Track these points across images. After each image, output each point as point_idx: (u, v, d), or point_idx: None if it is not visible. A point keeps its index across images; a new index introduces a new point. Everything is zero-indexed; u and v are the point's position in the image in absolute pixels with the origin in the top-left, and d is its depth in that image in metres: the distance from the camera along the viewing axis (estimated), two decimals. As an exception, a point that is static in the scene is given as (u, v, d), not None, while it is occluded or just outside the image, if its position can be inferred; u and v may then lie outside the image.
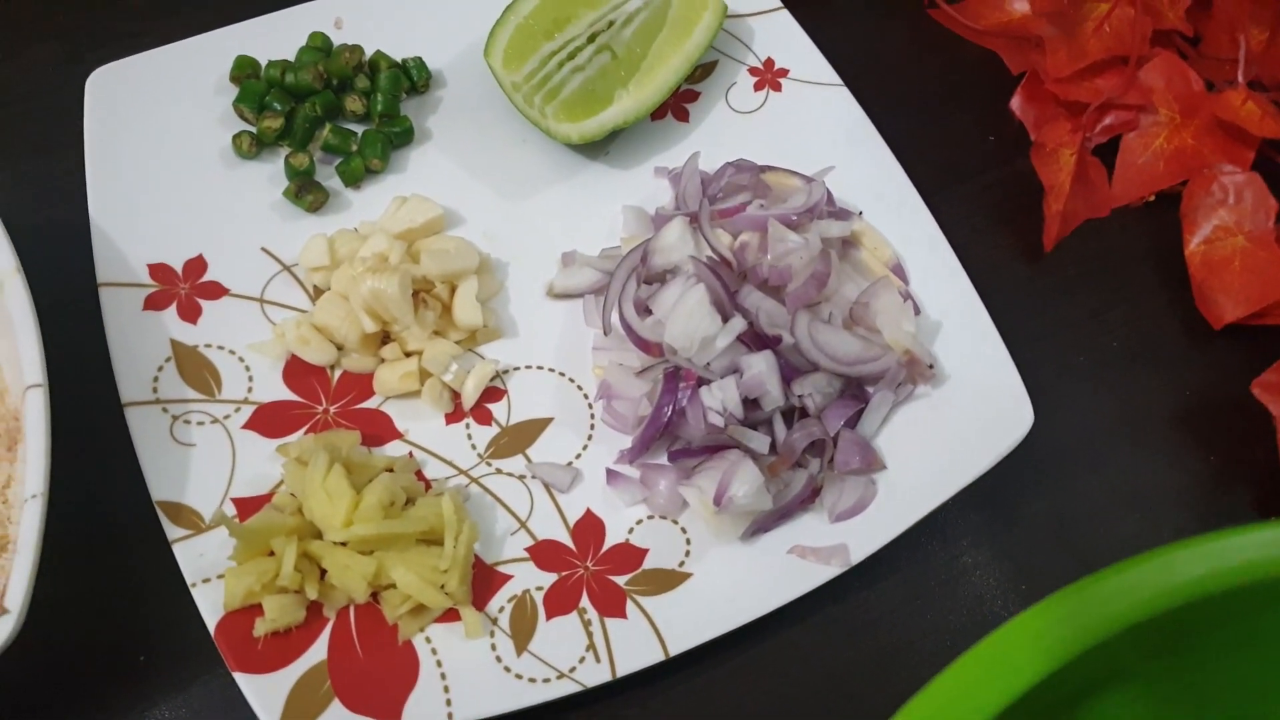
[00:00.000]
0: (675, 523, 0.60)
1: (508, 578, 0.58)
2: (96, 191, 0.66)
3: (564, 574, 0.58)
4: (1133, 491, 0.66)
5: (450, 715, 0.53)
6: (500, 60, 0.70)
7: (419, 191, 0.68)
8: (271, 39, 0.73)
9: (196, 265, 0.65)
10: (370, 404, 0.63)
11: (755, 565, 0.59)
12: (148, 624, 0.58)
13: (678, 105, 0.75)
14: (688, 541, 0.60)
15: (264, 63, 0.71)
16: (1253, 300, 0.70)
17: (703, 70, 0.76)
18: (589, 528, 0.60)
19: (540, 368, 0.65)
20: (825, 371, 0.61)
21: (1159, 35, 0.78)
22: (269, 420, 0.61)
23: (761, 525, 0.59)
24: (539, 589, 0.58)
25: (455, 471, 0.61)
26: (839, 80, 0.74)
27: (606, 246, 0.69)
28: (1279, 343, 0.70)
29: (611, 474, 0.61)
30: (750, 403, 0.60)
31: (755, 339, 0.61)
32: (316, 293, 0.65)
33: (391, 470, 0.59)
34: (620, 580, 0.58)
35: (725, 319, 0.61)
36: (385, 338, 0.64)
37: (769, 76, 0.76)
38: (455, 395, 0.63)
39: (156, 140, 0.69)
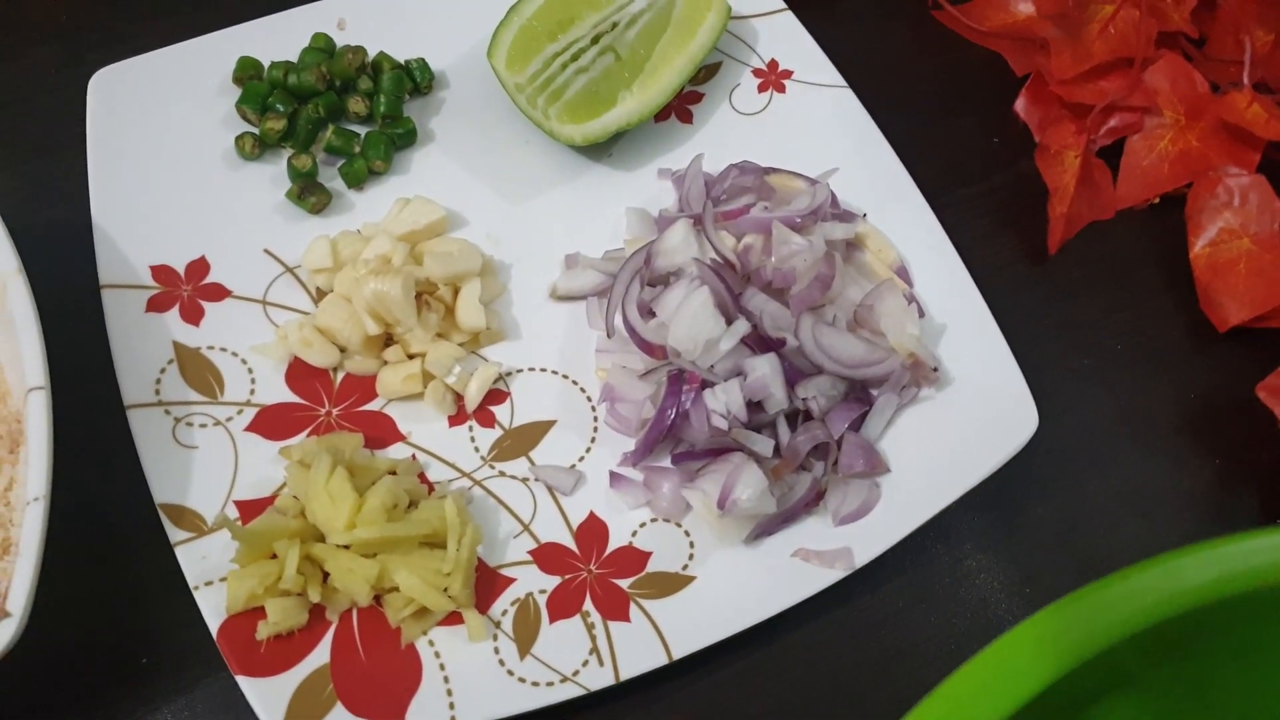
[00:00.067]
0: (679, 526, 0.60)
1: (511, 581, 0.58)
2: (98, 193, 0.65)
3: (567, 577, 0.58)
4: (1137, 495, 0.66)
5: (453, 719, 0.53)
6: (503, 61, 0.70)
7: (422, 193, 0.68)
8: (274, 40, 0.72)
9: (199, 267, 0.65)
10: (373, 406, 0.63)
11: (759, 568, 0.58)
12: (150, 627, 0.58)
13: (681, 107, 0.75)
14: (691, 545, 0.59)
15: (267, 64, 0.71)
16: (1258, 303, 0.70)
17: (706, 72, 0.76)
18: (592, 531, 0.60)
19: (543, 370, 0.65)
20: (829, 374, 0.61)
21: (1164, 37, 0.78)
22: (271, 422, 0.61)
23: (765, 528, 0.59)
24: (542, 592, 0.58)
25: (458, 474, 0.61)
26: (843, 82, 0.74)
27: (610, 248, 0.68)
28: (1284, 346, 0.70)
29: (615, 477, 0.61)
30: (754, 405, 0.60)
31: (759, 342, 0.61)
32: (319, 295, 0.65)
33: (394, 473, 0.59)
34: (623, 583, 0.58)
35: (729, 321, 0.61)
36: (388, 340, 0.64)
37: (773, 78, 0.76)
38: (458, 398, 0.63)
39: (159, 141, 0.68)
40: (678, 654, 0.55)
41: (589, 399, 0.64)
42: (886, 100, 0.74)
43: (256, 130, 0.69)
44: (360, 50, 0.72)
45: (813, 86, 0.75)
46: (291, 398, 0.62)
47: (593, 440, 0.63)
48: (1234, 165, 0.74)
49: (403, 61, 0.73)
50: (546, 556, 0.59)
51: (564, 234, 0.69)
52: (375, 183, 0.70)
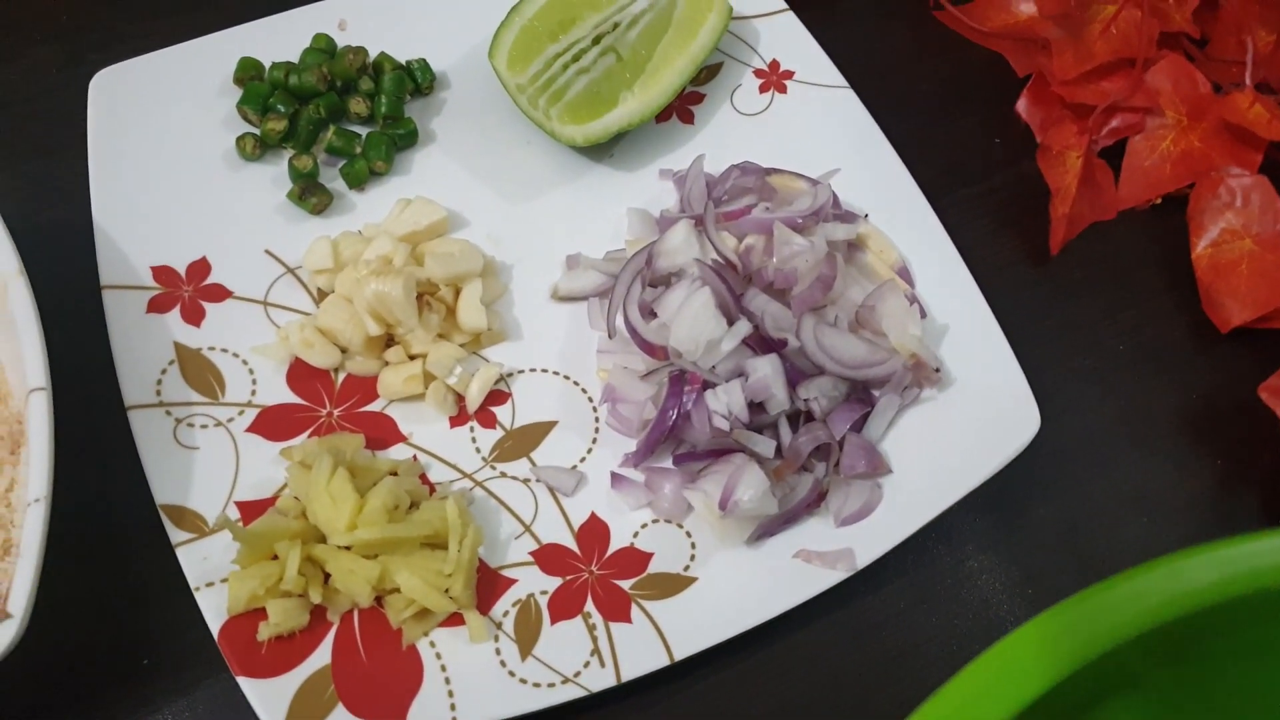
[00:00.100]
0: (680, 527, 0.60)
1: (512, 582, 0.58)
2: (99, 193, 0.65)
3: (568, 578, 0.58)
4: (1139, 496, 0.66)
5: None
6: (505, 62, 0.70)
7: (423, 194, 0.68)
8: (275, 41, 0.72)
9: (200, 268, 0.65)
10: (374, 407, 0.62)
11: (760, 569, 0.58)
12: (151, 628, 0.58)
13: (683, 107, 0.75)
14: (692, 546, 0.59)
15: (268, 64, 0.71)
16: (1260, 304, 0.70)
17: (708, 72, 0.76)
18: (593, 532, 0.60)
19: (545, 371, 0.65)
20: (831, 375, 0.61)
21: (1166, 37, 0.78)
22: (273, 423, 0.61)
23: (767, 529, 0.59)
24: (543, 593, 0.57)
25: (459, 475, 0.61)
26: (844, 82, 0.74)
27: (611, 249, 0.68)
28: (1286, 346, 0.70)
29: (616, 478, 0.61)
30: (755, 406, 0.60)
31: (761, 342, 0.61)
32: (320, 295, 0.65)
33: (395, 474, 0.59)
34: (625, 584, 0.58)
35: (730, 322, 0.61)
36: (389, 341, 0.64)
37: (774, 78, 0.76)
38: (459, 398, 0.63)
39: (160, 142, 0.68)
40: (679, 655, 0.55)
41: (590, 400, 0.64)
42: (888, 101, 0.74)
43: (257, 131, 0.69)
44: (361, 51, 0.72)
45: (814, 87, 0.75)
46: (293, 398, 0.62)
47: (594, 441, 0.62)
48: (1236, 166, 0.73)
49: (404, 62, 0.73)
50: (548, 557, 0.59)
51: (565, 234, 0.69)
52: (376, 183, 0.70)
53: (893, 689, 0.59)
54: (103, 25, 0.78)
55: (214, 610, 0.55)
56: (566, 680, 0.55)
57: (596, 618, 0.57)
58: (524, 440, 0.62)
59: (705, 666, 0.58)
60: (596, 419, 0.63)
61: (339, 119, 0.71)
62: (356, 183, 0.69)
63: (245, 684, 0.53)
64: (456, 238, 0.67)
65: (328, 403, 0.62)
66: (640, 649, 0.56)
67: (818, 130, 0.73)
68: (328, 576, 0.56)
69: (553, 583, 0.58)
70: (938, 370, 0.63)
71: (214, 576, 0.55)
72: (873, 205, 0.69)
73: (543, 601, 0.57)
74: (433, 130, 0.73)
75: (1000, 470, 0.61)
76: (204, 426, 0.60)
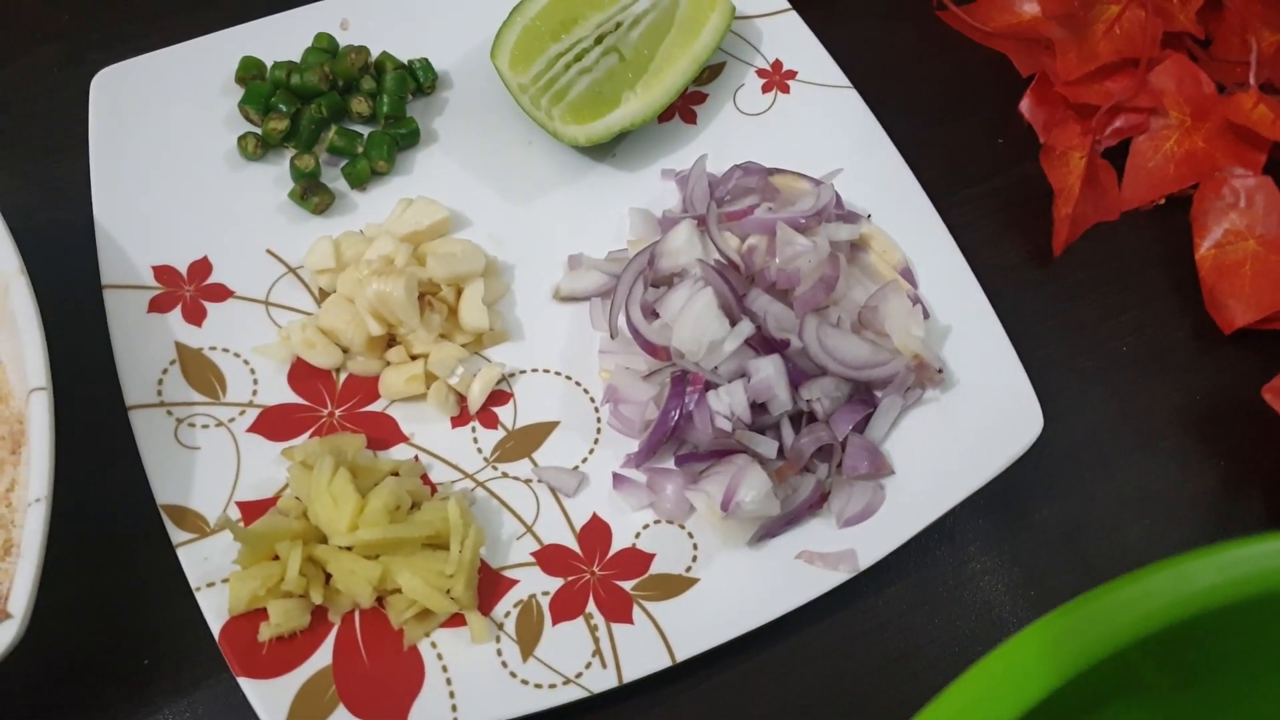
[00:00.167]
0: (682, 528, 0.60)
1: (514, 582, 0.58)
2: (101, 193, 0.65)
3: (570, 579, 0.58)
4: (1142, 497, 0.66)
5: (456, 721, 0.53)
6: (507, 62, 0.70)
7: (425, 193, 0.68)
8: (277, 40, 0.72)
9: (201, 267, 0.65)
10: (376, 407, 0.62)
11: (762, 570, 0.58)
12: (151, 628, 0.58)
13: (685, 107, 0.75)
14: (694, 546, 0.59)
15: (269, 64, 0.71)
16: (1264, 305, 0.70)
17: (710, 72, 0.76)
18: (595, 532, 0.60)
19: (546, 371, 0.65)
20: (833, 376, 0.61)
21: (1169, 37, 0.78)
22: (274, 423, 0.61)
23: (769, 530, 0.59)
24: (545, 594, 0.57)
25: (461, 475, 0.61)
26: (847, 82, 0.74)
27: (613, 249, 0.68)
28: (1290, 348, 0.70)
29: (618, 478, 0.61)
30: (758, 407, 0.60)
31: (763, 343, 0.61)
32: (322, 295, 0.65)
33: (397, 474, 0.59)
34: (627, 585, 0.58)
35: (733, 323, 0.61)
36: (391, 341, 0.64)
37: (777, 78, 0.75)
38: (461, 399, 0.63)
39: (161, 142, 0.68)
40: (681, 656, 0.55)
41: (592, 400, 0.64)
42: (891, 101, 0.74)
43: (259, 130, 0.69)
44: (363, 50, 0.72)
45: (817, 87, 0.74)
46: (294, 399, 0.62)
47: (596, 442, 0.62)
48: (1240, 166, 0.73)
49: (406, 61, 0.73)
50: (549, 558, 0.59)
51: (567, 235, 0.69)
52: (378, 183, 0.70)
53: (895, 690, 0.59)
54: (104, 25, 0.77)
55: (215, 610, 0.54)
56: (568, 681, 0.55)
57: (598, 618, 0.57)
58: (526, 441, 0.62)
59: (707, 668, 0.58)
60: (598, 419, 0.63)
61: (341, 118, 0.71)
62: (358, 182, 0.69)
63: (246, 684, 0.53)
64: (458, 238, 0.67)
65: (329, 403, 0.62)
66: (642, 650, 0.56)
67: (820, 130, 0.73)
68: (329, 577, 0.56)
69: (554, 583, 0.58)
70: (940, 371, 0.63)
71: (215, 577, 0.55)
72: (875, 205, 0.69)
73: (544, 602, 0.57)
74: (435, 130, 0.72)
75: (1003, 471, 0.60)
76: (205, 426, 0.60)
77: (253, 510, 0.58)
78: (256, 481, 0.59)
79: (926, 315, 0.65)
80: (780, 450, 0.60)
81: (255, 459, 0.60)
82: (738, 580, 0.58)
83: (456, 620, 0.56)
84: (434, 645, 0.55)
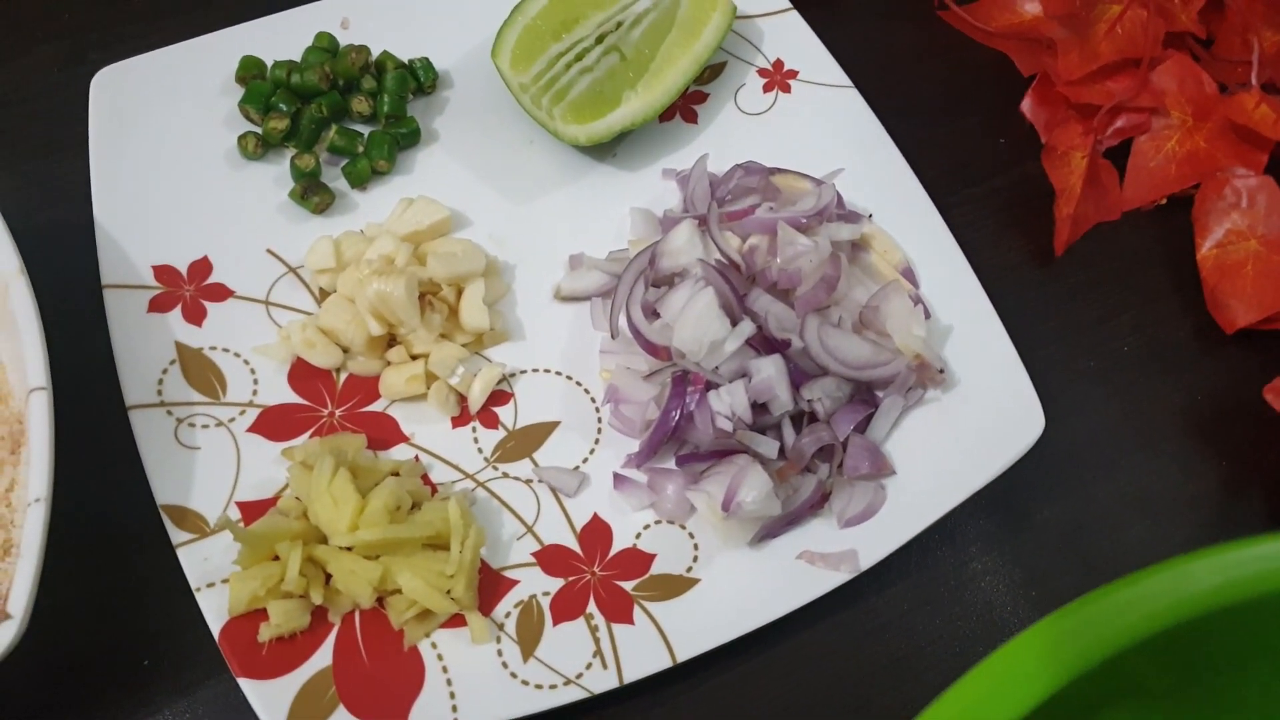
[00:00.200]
0: (683, 528, 0.60)
1: (514, 583, 0.58)
2: (101, 193, 0.65)
3: (571, 579, 0.58)
4: (1143, 498, 0.65)
5: (456, 722, 0.53)
6: (508, 61, 0.70)
7: (425, 193, 0.68)
8: (277, 39, 0.72)
9: (201, 267, 0.65)
10: (376, 407, 0.62)
11: (763, 571, 0.58)
12: (151, 628, 0.58)
13: (686, 107, 0.74)
14: (695, 547, 0.59)
15: (270, 63, 0.71)
16: (1265, 305, 0.70)
17: (711, 71, 0.76)
18: (596, 533, 0.59)
19: (547, 371, 0.64)
20: (835, 376, 0.61)
21: (1171, 37, 0.78)
22: (274, 423, 0.61)
23: (770, 531, 0.59)
24: (546, 594, 0.57)
25: (461, 475, 0.61)
26: (848, 82, 0.74)
27: (614, 249, 0.68)
28: (1292, 348, 0.70)
29: (619, 478, 0.61)
30: (759, 407, 0.60)
31: (764, 343, 0.61)
32: (322, 295, 0.65)
33: (397, 474, 0.58)
34: (627, 586, 0.58)
35: (734, 323, 0.60)
36: (391, 340, 0.64)
37: (778, 78, 0.75)
38: (462, 399, 0.63)
39: (161, 141, 0.68)
40: (682, 657, 0.55)
41: (593, 400, 0.64)
42: (892, 100, 0.74)
43: (259, 130, 0.69)
44: (364, 49, 0.72)
45: (818, 86, 0.74)
46: (294, 398, 0.62)
47: (596, 442, 0.62)
48: (1242, 166, 0.73)
49: (406, 61, 0.73)
50: (550, 558, 0.59)
51: (568, 234, 0.69)
52: (379, 183, 0.70)
53: (896, 691, 0.59)
54: (104, 24, 0.77)
55: (215, 611, 0.54)
56: (569, 682, 0.54)
57: (599, 619, 0.56)
58: (526, 441, 0.62)
59: (708, 668, 0.57)
60: (599, 420, 0.63)
61: (341, 118, 0.71)
62: (359, 182, 0.69)
63: (246, 685, 0.53)
64: (459, 237, 0.67)
65: (329, 403, 0.62)
66: (643, 650, 0.55)
67: (822, 130, 0.73)
68: (329, 577, 0.56)
69: (555, 584, 0.58)
70: (942, 371, 0.63)
71: (215, 577, 0.55)
72: (877, 205, 0.69)
73: (545, 603, 0.57)
74: (435, 129, 0.72)
75: (1004, 472, 0.60)
76: (205, 426, 0.60)
77: (253, 510, 0.58)
78: (256, 481, 0.59)
79: (928, 315, 0.65)
80: (781, 450, 0.60)
81: (255, 459, 0.59)
82: (739, 581, 0.58)
83: (457, 621, 0.56)
84: (434, 646, 0.55)
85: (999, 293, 0.66)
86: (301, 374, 0.62)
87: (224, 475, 0.59)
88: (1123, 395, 0.69)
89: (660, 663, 0.55)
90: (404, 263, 0.63)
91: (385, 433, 0.62)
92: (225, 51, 0.71)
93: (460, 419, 0.62)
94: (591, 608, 0.57)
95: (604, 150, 0.72)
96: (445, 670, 0.55)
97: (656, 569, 0.58)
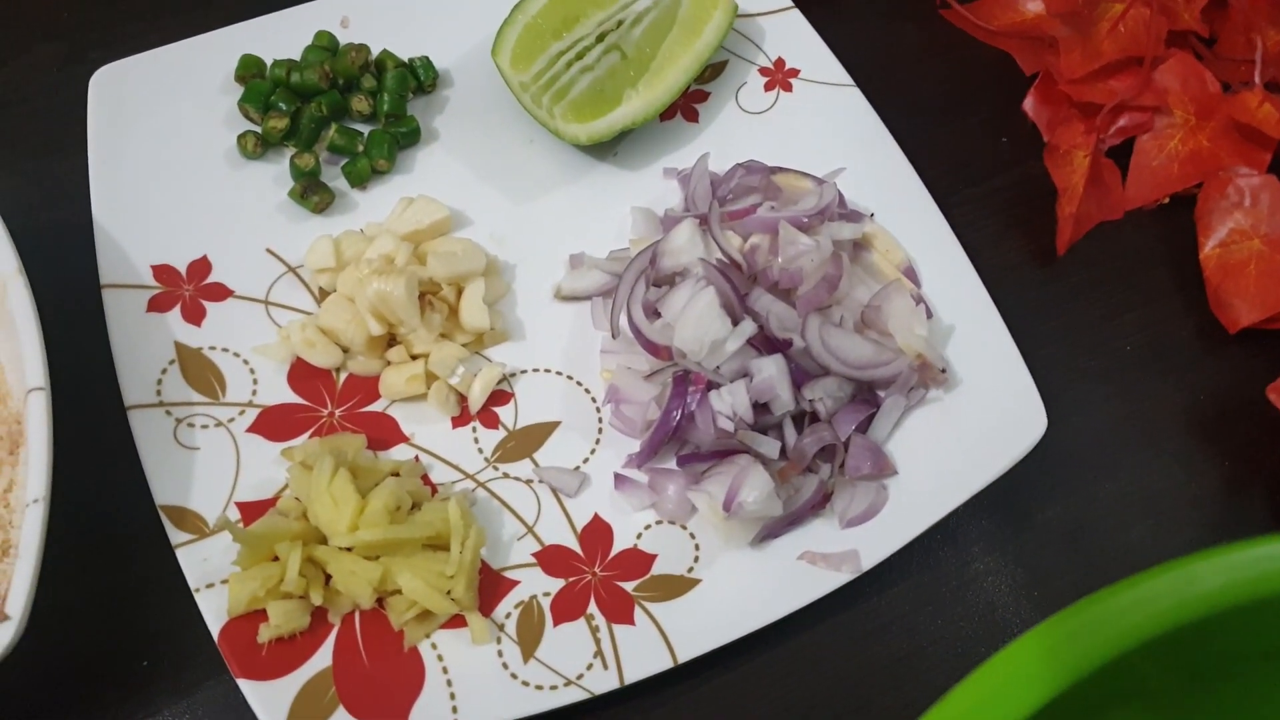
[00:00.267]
0: (684, 528, 0.60)
1: (515, 583, 0.57)
2: (100, 192, 0.65)
3: (571, 580, 0.58)
4: (1146, 497, 0.65)
5: (456, 723, 0.53)
6: (508, 60, 0.70)
7: (426, 192, 0.68)
8: (277, 38, 0.72)
9: (201, 267, 0.65)
10: (376, 407, 0.62)
11: (765, 571, 0.58)
12: (151, 628, 0.57)
13: (687, 105, 0.74)
14: (696, 547, 0.59)
15: (269, 62, 0.71)
16: (1269, 304, 0.69)
17: (712, 70, 0.76)
18: (597, 533, 0.59)
19: (548, 371, 0.64)
20: (836, 375, 0.61)
21: (1174, 36, 0.78)
22: (274, 423, 0.61)
23: (771, 531, 0.59)
24: (546, 595, 0.57)
25: (462, 476, 0.61)
26: (850, 81, 0.73)
27: (615, 248, 0.68)
28: (1295, 347, 0.70)
29: (620, 479, 0.61)
30: (760, 407, 0.59)
31: (765, 342, 0.61)
32: (322, 295, 0.65)
33: (397, 474, 0.58)
34: (628, 586, 0.58)
35: (735, 322, 0.60)
36: (391, 340, 0.63)
37: (779, 76, 0.75)
38: (462, 398, 0.63)
39: (160, 140, 0.68)
40: (683, 657, 0.55)
41: (594, 400, 0.63)
42: (894, 99, 0.74)
43: (259, 129, 0.69)
44: (364, 48, 0.71)
45: (820, 85, 0.74)
46: (294, 398, 0.62)
47: (597, 442, 0.62)
48: (1245, 165, 0.73)
49: (406, 60, 0.73)
50: (550, 559, 0.58)
51: (569, 234, 0.69)
52: (378, 182, 0.70)
53: (897, 692, 0.58)
54: (103, 23, 0.77)
55: (214, 612, 0.54)
56: (569, 682, 0.54)
57: (599, 619, 0.56)
58: (527, 441, 0.62)
59: (709, 669, 0.57)
60: (600, 420, 0.63)
61: (341, 117, 0.71)
62: (358, 181, 0.69)
63: (246, 686, 0.53)
64: (459, 237, 0.67)
65: (329, 403, 0.62)
66: (643, 651, 0.55)
67: (823, 129, 0.72)
68: (329, 578, 0.56)
69: (555, 584, 0.58)
70: (944, 371, 0.63)
71: (214, 578, 0.55)
72: (878, 204, 0.69)
73: (545, 603, 0.57)
74: (435, 128, 0.72)
75: (1006, 471, 0.60)
76: (204, 426, 0.60)
77: (252, 511, 0.58)
78: (256, 482, 0.59)
79: (929, 315, 0.65)
80: (783, 450, 0.59)
81: (255, 459, 0.59)
82: (740, 581, 0.58)
83: (457, 621, 0.56)
84: (434, 646, 0.55)
85: (1001, 292, 0.66)
86: (301, 374, 0.62)
87: (223, 475, 0.59)
88: (1125, 395, 0.69)
89: (661, 663, 0.55)
90: (404, 262, 0.63)
91: (385, 433, 0.61)
92: (225, 50, 0.71)
93: (460, 419, 0.62)
94: (592, 608, 0.57)
95: (605, 149, 0.72)
96: (445, 671, 0.54)
97: (657, 569, 0.58)
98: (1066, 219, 0.73)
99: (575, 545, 0.59)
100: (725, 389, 0.59)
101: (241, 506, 0.58)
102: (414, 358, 0.63)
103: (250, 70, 0.70)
